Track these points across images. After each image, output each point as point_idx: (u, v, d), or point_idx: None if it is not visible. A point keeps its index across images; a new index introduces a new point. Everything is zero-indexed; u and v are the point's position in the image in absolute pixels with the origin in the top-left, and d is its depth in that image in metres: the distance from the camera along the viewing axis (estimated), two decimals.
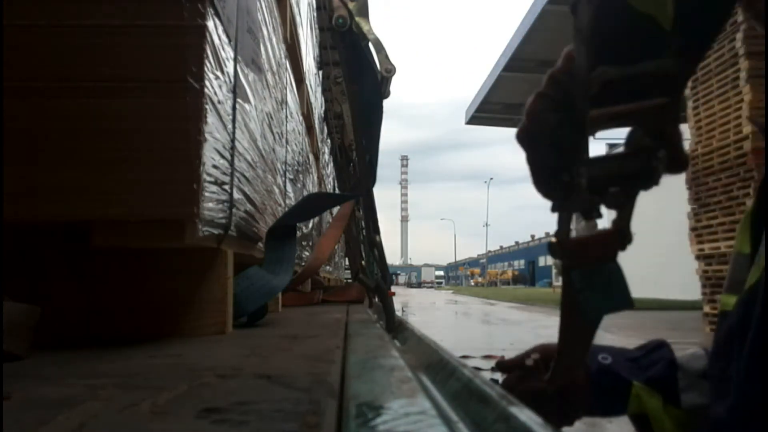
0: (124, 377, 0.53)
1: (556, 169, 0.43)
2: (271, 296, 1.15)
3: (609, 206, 0.43)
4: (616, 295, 0.45)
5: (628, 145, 0.41)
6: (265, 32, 1.35)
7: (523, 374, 0.78)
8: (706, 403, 0.68)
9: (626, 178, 0.41)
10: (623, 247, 0.43)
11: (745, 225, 0.69)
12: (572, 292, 0.46)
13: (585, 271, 0.45)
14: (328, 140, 4.71)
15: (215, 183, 0.84)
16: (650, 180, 0.40)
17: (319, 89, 3.83)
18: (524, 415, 0.34)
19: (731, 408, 0.59)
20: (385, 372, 0.51)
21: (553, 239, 0.45)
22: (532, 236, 63.32)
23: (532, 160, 0.45)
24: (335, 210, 2.06)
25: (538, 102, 0.42)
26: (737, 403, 0.59)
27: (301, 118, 2.51)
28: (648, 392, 0.71)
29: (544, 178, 0.44)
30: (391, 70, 1.23)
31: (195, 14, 0.77)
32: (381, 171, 1.34)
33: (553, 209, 0.45)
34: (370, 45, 1.21)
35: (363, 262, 2.07)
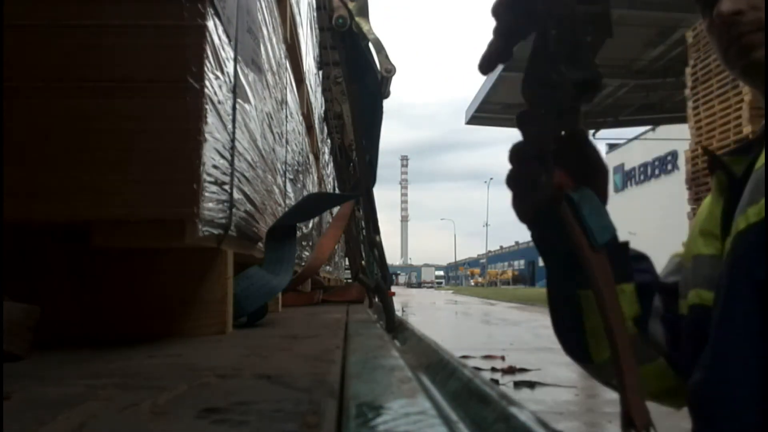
0: (124, 377, 0.53)
1: (527, 30, 0.48)
2: (271, 296, 1.15)
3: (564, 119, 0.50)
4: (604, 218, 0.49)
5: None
6: (265, 32, 1.35)
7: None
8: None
9: (587, 22, 0.49)
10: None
11: (699, 230, 0.72)
12: (579, 218, 0.48)
13: (580, 192, 0.49)
14: (328, 140, 4.71)
15: (215, 183, 0.84)
16: (605, 27, 0.48)
17: (319, 89, 3.83)
18: (524, 415, 0.34)
19: (714, 342, 0.61)
20: (385, 372, 0.51)
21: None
22: None
23: (504, 25, 0.49)
24: (335, 210, 2.06)
25: None
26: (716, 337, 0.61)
27: (301, 118, 2.51)
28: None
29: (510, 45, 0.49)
30: (391, 70, 1.23)
31: (195, 14, 0.77)
32: (381, 171, 1.34)
33: (523, 115, 0.51)
34: (370, 45, 1.21)
35: (363, 262, 2.07)
